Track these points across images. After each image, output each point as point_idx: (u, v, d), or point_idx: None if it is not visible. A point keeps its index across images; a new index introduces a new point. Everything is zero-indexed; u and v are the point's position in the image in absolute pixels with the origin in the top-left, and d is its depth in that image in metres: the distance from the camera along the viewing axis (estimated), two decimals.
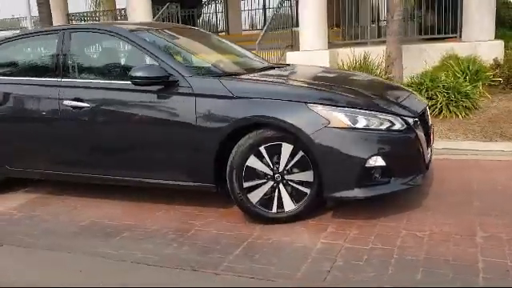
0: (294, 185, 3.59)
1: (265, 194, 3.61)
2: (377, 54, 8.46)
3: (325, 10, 9.75)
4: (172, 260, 3.20)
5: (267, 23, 9.86)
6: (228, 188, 3.67)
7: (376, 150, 3.40)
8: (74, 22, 13.02)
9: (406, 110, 3.66)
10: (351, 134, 3.40)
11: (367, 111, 3.49)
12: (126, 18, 13.12)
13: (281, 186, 3.59)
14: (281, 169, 3.57)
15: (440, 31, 10.10)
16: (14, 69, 4.64)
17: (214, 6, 15.08)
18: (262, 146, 3.54)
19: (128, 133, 3.98)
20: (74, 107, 4.11)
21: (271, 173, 3.58)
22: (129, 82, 3.90)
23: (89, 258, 3.31)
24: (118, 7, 13.60)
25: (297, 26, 10.63)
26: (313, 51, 9.26)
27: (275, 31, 9.76)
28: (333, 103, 3.48)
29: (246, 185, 3.59)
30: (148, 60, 4.07)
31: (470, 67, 8.00)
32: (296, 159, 3.54)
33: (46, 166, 4.41)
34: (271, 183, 3.60)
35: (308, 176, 3.56)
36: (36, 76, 4.43)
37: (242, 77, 4.04)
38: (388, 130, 3.49)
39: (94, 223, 3.93)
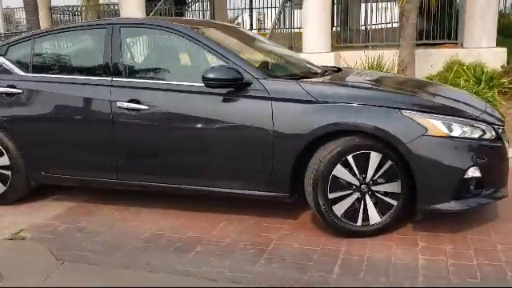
0: (381, 196, 3.39)
1: (350, 206, 3.39)
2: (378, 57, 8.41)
3: (329, 12, 9.64)
4: (268, 278, 2.95)
5: (272, 24, 9.65)
6: (310, 199, 3.43)
7: (473, 161, 3.25)
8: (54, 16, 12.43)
9: (494, 118, 3.53)
10: (449, 143, 3.24)
11: (461, 119, 3.34)
12: (113, 13, 12.64)
13: (367, 197, 3.39)
14: (368, 179, 3.36)
15: (435, 37, 10.16)
16: (53, 66, 4.24)
17: (200, 4, 14.72)
18: (350, 155, 3.32)
19: (192, 138, 3.68)
20: (130, 109, 3.77)
21: (358, 183, 3.37)
22: (194, 84, 3.65)
23: (169, 277, 3.01)
24: (105, 1, 13.03)
25: (294, 27, 10.50)
26: (318, 53, 9.12)
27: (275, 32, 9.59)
28: (429, 110, 3.31)
29: (331, 196, 3.37)
30: (211, 60, 3.78)
31: (483, 74, 8.03)
32: (384, 169, 3.35)
33: (88, 173, 4.03)
34: (357, 194, 3.39)
35: (395, 187, 3.38)
36: (80, 74, 4.06)
37: (318, 80, 3.81)
38: (480, 139, 3.35)
39: (155, 236, 3.61)
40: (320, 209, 3.39)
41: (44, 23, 11.48)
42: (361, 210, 3.40)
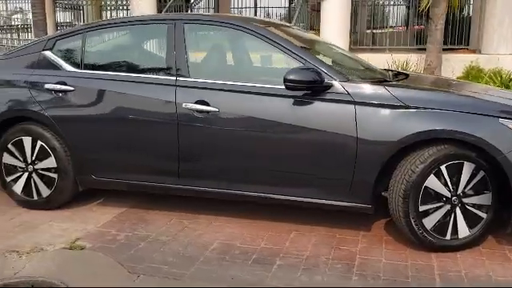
0: (471, 208, 3.22)
1: (440, 219, 3.21)
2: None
3: (349, 12, 9.50)
4: None
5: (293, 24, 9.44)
6: (397, 211, 3.23)
7: None
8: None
9: None
10: None
11: None
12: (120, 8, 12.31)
13: (457, 209, 3.21)
14: (459, 190, 3.18)
15: (446, 42, 10.11)
16: (107, 62, 3.97)
17: (205, 1, 14.44)
18: (444, 165, 3.14)
19: (266, 142, 3.46)
20: (198, 111, 3.52)
21: (449, 195, 3.19)
22: (269, 86, 3.45)
23: None
24: None
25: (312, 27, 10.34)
26: None
27: None
28: None
29: (422, 208, 3.18)
30: (286, 61, 3.55)
31: (502, 79, 7.98)
32: (476, 180, 3.17)
33: (147, 177, 3.77)
34: (448, 207, 3.21)
35: (486, 199, 3.21)
36: (139, 72, 3.80)
37: (404, 84, 3.62)
38: None
39: (226, 246, 3.38)
40: (409, 221, 3.20)
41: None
42: (450, 223, 3.23)
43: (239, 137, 3.50)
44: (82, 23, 12.19)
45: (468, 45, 10.84)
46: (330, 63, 3.78)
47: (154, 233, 3.62)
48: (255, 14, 15.19)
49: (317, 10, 12.36)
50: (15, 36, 13.66)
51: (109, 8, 12.96)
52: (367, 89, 3.34)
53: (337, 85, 3.33)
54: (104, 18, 13.10)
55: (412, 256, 3.23)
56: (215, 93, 3.52)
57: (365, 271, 3.03)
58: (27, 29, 13.25)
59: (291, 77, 3.24)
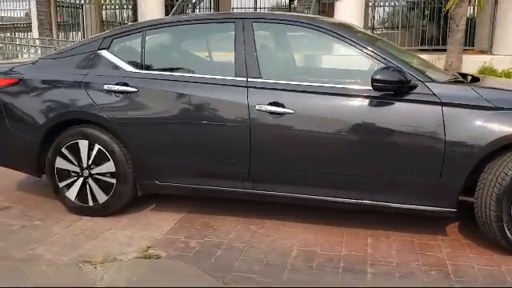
0: None
1: None
2: None
3: (362, 15, 9.46)
4: None
5: None
6: (486, 215, 3.15)
7: None
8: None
9: None
10: None
11: None
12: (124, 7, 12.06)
13: None
14: None
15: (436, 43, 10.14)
16: (171, 62, 3.81)
17: (205, 1, 14.25)
18: None
19: (345, 145, 3.34)
20: (272, 113, 3.39)
21: None
22: (351, 87, 3.37)
23: None
24: None
25: None
26: None
27: None
28: None
29: None
30: (362, 61, 3.45)
31: None
32: None
33: (214, 182, 3.63)
34: None
35: None
36: (205, 73, 3.64)
37: (490, 85, 3.55)
38: None
39: (308, 253, 3.26)
40: (501, 226, 3.12)
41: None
42: None
43: (316, 139, 3.38)
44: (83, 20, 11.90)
45: (473, 45, 10.91)
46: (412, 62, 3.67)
47: (225, 239, 3.47)
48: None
49: (322, 10, 12.32)
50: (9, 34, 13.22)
51: (109, 7, 12.68)
52: (454, 89, 3.26)
53: (422, 85, 3.23)
54: (104, 18, 12.85)
55: (504, 261, 3.15)
56: (290, 94, 3.39)
57: (463, 278, 2.94)
58: (27, 27, 12.86)
59: (379, 77, 3.13)
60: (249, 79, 3.48)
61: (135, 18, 12.53)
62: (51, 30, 9.79)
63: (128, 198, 3.82)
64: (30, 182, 4.71)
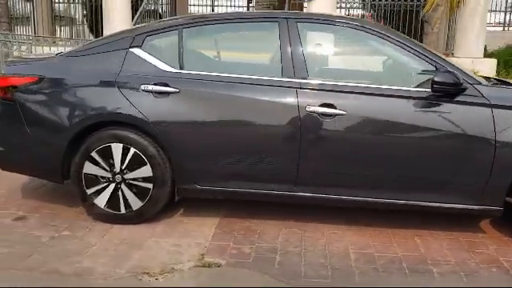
0: None
1: None
2: None
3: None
4: None
5: None
6: None
7: None
8: None
9: None
10: None
11: None
12: None
13: None
14: None
15: None
16: (212, 62, 3.67)
17: None
18: None
19: (398, 146, 3.37)
20: (323, 114, 3.36)
21: None
22: (406, 88, 3.41)
23: None
24: None
25: None
26: None
27: None
28: None
29: None
30: (413, 63, 3.48)
31: None
32: None
33: (259, 185, 3.53)
34: None
35: None
36: (250, 73, 3.52)
37: None
38: None
39: (366, 256, 3.26)
40: None
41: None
42: None
43: (368, 141, 3.38)
44: None
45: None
46: None
47: (276, 244, 3.40)
48: (212, 11, 14.88)
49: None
50: None
51: (61, 1, 12.05)
52: (502, 92, 3.37)
53: (472, 88, 3.31)
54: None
55: None
56: (341, 95, 3.37)
57: None
58: None
59: (440, 79, 3.18)
60: (297, 80, 3.42)
61: (92, 14, 11.99)
62: (10, 23, 9.14)
63: (163, 203, 3.64)
64: (32, 187, 4.39)
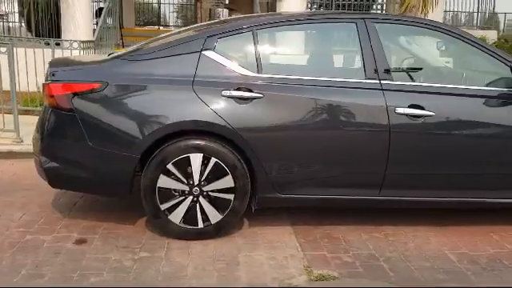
0: None
1: None
2: None
3: None
4: None
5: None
6: None
7: None
8: None
9: None
10: None
11: None
12: None
13: None
14: None
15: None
16: (291, 65, 3.52)
17: None
18: None
19: (490, 146, 3.47)
20: (413, 116, 3.34)
21: None
22: (497, 89, 3.45)
23: None
24: None
25: None
26: None
27: None
28: None
29: None
30: (489, 64, 3.55)
31: None
32: None
33: (342, 190, 3.45)
34: None
35: None
36: (331, 76, 3.42)
37: None
38: None
39: (463, 256, 3.29)
40: None
41: None
42: None
43: (455, 142, 3.41)
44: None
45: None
46: None
47: (370, 250, 3.34)
48: (159, 9, 14.38)
49: (231, 8, 12.27)
50: None
51: None
52: None
53: None
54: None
55: None
56: (429, 96, 3.37)
57: None
58: None
59: None
60: (382, 81, 3.36)
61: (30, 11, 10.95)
62: None
63: (241, 215, 3.44)
64: (64, 203, 4.04)
